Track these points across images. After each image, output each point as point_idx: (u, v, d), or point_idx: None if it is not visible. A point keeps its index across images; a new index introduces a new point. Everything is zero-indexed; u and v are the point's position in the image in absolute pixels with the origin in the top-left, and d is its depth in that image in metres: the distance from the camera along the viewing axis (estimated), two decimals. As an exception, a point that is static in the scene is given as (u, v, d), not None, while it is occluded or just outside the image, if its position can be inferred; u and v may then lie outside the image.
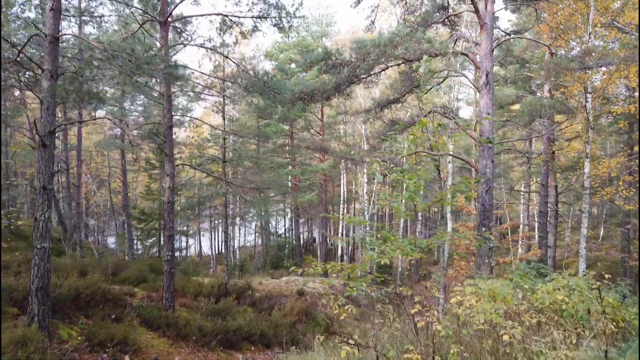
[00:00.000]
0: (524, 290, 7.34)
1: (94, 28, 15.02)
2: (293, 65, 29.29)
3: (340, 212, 31.68)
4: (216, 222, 34.57)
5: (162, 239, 23.80)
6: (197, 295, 11.75)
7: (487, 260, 11.59)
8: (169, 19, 9.62)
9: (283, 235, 34.61)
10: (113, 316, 8.37)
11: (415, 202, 6.93)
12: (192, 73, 11.66)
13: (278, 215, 42.84)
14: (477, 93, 24.69)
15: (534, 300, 6.44)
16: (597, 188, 14.79)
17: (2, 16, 9.55)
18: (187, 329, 8.83)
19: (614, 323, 6.02)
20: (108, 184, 28.43)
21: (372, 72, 11.40)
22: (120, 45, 6.80)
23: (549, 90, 18.69)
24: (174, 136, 22.76)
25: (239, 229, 35.30)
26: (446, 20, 13.48)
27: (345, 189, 30.96)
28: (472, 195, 7.25)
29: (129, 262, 14.99)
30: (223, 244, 14.93)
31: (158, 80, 9.23)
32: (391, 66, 11.55)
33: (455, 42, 13.57)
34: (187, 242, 39.48)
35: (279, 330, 10.85)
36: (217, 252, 36.89)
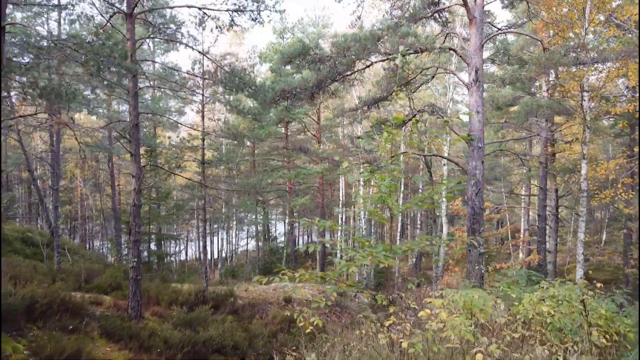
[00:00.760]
0: (510, 300, 6.75)
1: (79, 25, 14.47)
2: (288, 67, 28.74)
3: (339, 216, 31.18)
4: (215, 226, 34.05)
5: (150, 243, 23.31)
6: (171, 304, 11.18)
7: (477, 267, 11.00)
8: (135, 11, 9.09)
9: (280, 240, 33.98)
10: (70, 327, 7.81)
11: (388, 204, 6.37)
12: (174, 71, 11.13)
13: (277, 219, 42.23)
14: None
15: (516, 312, 5.87)
16: (595, 191, 14.15)
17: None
18: (151, 340, 8.26)
19: (607, 336, 5.46)
20: (98, 188, 27.98)
21: (355, 69, 10.85)
22: (67, 36, 6.27)
23: (547, 90, 18.12)
24: (158, 139, 22.25)
25: (234, 234, 34.72)
26: (437, 16, 12.94)
27: (344, 192, 30.31)
28: (450, 197, 6.66)
29: (105, 267, 14.45)
30: (202, 249, 14.41)
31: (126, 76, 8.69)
32: (375, 62, 10.99)
33: (445, 39, 13.03)
34: (186, 245, 39.03)
35: (256, 341, 10.26)
36: (217, 256, 36.43)
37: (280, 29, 29.63)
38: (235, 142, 28.22)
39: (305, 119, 28.40)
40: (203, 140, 13.72)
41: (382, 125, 12.52)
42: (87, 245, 32.48)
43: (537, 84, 20.95)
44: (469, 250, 11.11)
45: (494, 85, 23.75)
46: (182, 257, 39.86)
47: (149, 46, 25.54)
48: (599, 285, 6.85)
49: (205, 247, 13.98)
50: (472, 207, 10.87)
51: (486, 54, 21.89)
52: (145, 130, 25.95)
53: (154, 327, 8.96)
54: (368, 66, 10.95)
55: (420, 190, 27.24)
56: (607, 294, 8.47)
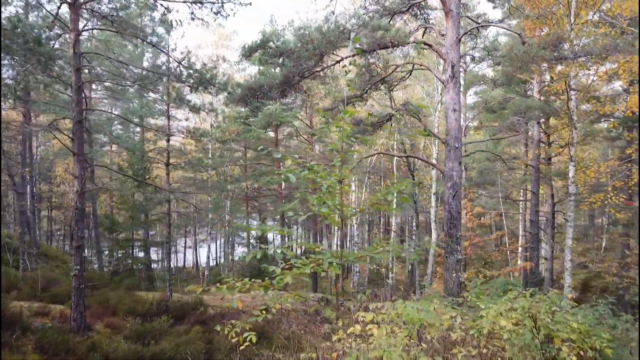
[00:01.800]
0: (475, 312, 6.15)
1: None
2: (278, 70, 28.07)
3: (335, 222, 30.42)
4: (212, 233, 33.41)
5: (133, 250, 22.71)
6: (130, 314, 10.51)
7: (454, 275, 10.39)
8: (80, 0, 8.50)
9: (277, 245, 33.11)
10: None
11: (335, 205, 5.82)
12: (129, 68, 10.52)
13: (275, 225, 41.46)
14: (462, 95, 23.51)
15: (471, 327, 5.23)
16: (585, 195, 13.49)
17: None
18: (90, 355, 7.61)
19: (582, 352, 4.86)
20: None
21: (324, 65, 10.24)
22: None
23: (539, 91, 17.54)
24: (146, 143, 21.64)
25: (227, 240, 34.05)
26: (419, 12, 12.37)
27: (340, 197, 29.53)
28: (404, 199, 6.02)
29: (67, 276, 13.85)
30: (166, 255, 13.73)
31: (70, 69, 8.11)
32: (345, 58, 10.39)
33: (424, 34, 12.45)
34: (184, 252, 38.49)
35: (216, 354, 9.59)
36: (215, 263, 35.89)
37: (270, 31, 29.15)
38: (226, 146, 27.74)
39: (297, 123, 27.76)
40: (168, 141, 13.14)
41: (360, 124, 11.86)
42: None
43: (532, 86, 20.39)
44: (446, 256, 10.50)
45: (486, 87, 23.19)
46: (179, 263, 39.38)
47: (136, 48, 24.98)
48: (570, 296, 6.27)
49: (169, 253, 13.35)
50: (449, 211, 10.27)
51: (476, 54, 21.33)
52: (131, 134, 25.45)
53: (98, 340, 8.30)
54: (338, 62, 10.35)
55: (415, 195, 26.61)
56: (590, 305, 7.76)
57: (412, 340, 4.94)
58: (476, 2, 24.57)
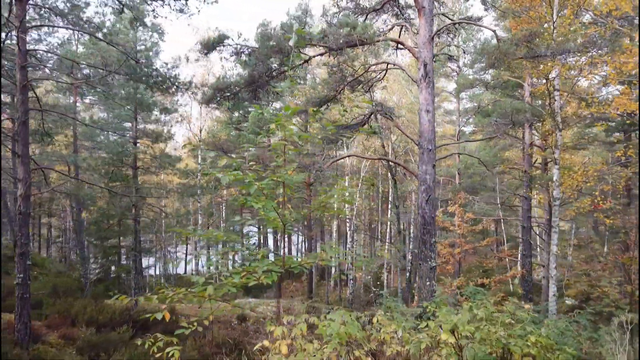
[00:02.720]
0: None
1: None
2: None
3: (333, 228, 30.33)
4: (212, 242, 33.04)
5: (120, 257, 22.32)
6: (90, 324, 10.08)
7: (428, 283, 9.93)
8: (25, -5, 8.15)
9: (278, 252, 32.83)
10: None
11: (274, 208, 5.42)
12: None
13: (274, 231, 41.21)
14: (456, 100, 23.08)
15: (406, 342, 4.80)
16: (572, 199, 12.99)
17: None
18: (29, 369, 7.19)
19: None
20: (69, 199, 27.09)
21: (292, 64, 9.80)
22: None
23: (530, 94, 17.14)
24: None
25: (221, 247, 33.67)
26: (398, 12, 11.99)
27: (337, 204, 29.10)
28: (348, 201, 5.64)
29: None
30: (132, 263, 13.37)
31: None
32: (314, 57, 10.00)
33: (400, 32, 12.04)
34: (185, 259, 38.16)
35: (176, 367, 9.13)
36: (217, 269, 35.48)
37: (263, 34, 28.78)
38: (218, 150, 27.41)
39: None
40: (135, 144, 12.79)
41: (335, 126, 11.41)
42: (66, 259, 31.54)
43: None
44: (420, 264, 10.04)
45: (481, 92, 22.75)
46: (181, 271, 39.12)
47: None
48: (527, 306, 5.84)
49: (135, 260, 12.94)
50: (423, 216, 9.83)
51: (467, 57, 20.94)
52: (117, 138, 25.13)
53: (43, 351, 7.87)
54: (306, 61, 9.94)
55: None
56: (568, 317, 7.31)
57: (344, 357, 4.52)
58: (469, 4, 24.23)
